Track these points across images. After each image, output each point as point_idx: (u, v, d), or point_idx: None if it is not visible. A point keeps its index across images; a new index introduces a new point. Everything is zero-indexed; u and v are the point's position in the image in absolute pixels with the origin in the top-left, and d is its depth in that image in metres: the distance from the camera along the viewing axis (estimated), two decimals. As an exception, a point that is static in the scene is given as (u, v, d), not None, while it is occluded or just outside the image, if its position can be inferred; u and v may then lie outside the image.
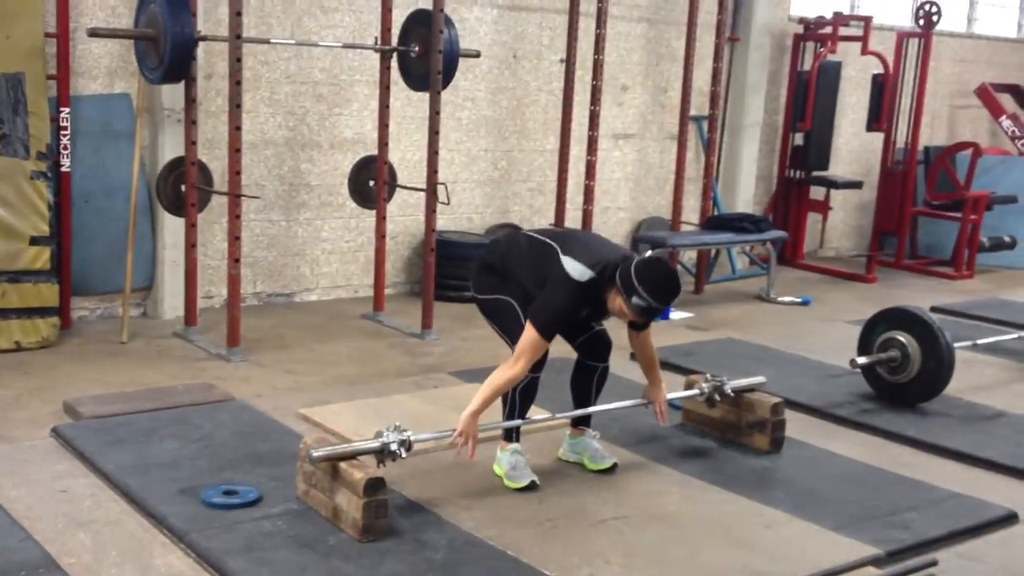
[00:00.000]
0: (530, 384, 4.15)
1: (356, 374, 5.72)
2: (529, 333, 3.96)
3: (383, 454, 3.80)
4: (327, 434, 4.45)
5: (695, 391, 4.74)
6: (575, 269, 3.99)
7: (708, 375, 4.79)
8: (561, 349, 4.51)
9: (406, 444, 3.83)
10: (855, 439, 5.08)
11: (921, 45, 9.52)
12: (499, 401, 4.16)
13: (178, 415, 4.75)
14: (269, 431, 4.64)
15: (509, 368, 3.98)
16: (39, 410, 4.84)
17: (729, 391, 4.71)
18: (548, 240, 4.15)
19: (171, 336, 6.19)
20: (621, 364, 5.68)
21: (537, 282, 4.08)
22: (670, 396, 4.58)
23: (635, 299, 3.88)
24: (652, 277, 3.89)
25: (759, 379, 4.93)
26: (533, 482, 4.17)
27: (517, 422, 4.23)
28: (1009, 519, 4.19)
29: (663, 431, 4.93)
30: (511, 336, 4.15)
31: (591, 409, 4.44)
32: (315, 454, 3.68)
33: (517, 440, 4.28)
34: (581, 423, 4.49)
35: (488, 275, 4.28)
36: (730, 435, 4.84)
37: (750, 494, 4.26)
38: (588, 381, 4.41)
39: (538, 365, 4.10)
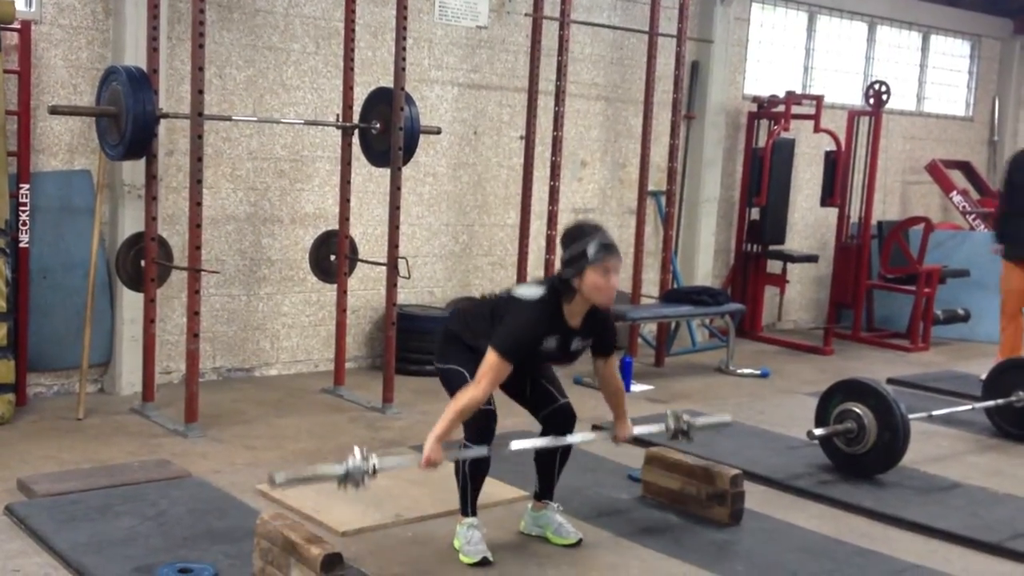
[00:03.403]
0: (480, 459, 4.15)
1: (316, 449, 5.68)
2: (490, 356, 3.96)
3: (347, 478, 3.77)
4: (285, 510, 4.40)
5: (660, 426, 4.68)
6: (527, 292, 4.13)
7: (672, 411, 4.73)
8: (523, 422, 4.53)
9: (371, 469, 3.79)
10: (814, 510, 5.10)
11: (872, 123, 9.77)
12: (452, 477, 4.19)
13: (133, 492, 4.69)
14: (226, 508, 4.59)
15: (471, 389, 3.96)
16: (-8, 488, 4.77)
17: (693, 428, 4.65)
18: (502, 292, 4.30)
19: (128, 412, 6.13)
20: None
21: None
22: (636, 430, 4.56)
23: (590, 251, 3.94)
24: (573, 233, 4.07)
25: (726, 418, 4.96)
26: (485, 558, 4.15)
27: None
28: (966, 590, 4.23)
29: (623, 504, 4.94)
30: None
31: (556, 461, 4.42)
32: (278, 479, 3.66)
33: (473, 514, 4.26)
34: (544, 496, 4.49)
35: (450, 344, 4.31)
36: (690, 507, 4.85)
37: (710, 567, 4.27)
38: (552, 455, 4.41)
39: (485, 437, 4.11)
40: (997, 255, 8.04)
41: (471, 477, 4.19)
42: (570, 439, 4.38)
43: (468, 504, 4.25)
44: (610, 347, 4.33)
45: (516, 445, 4.24)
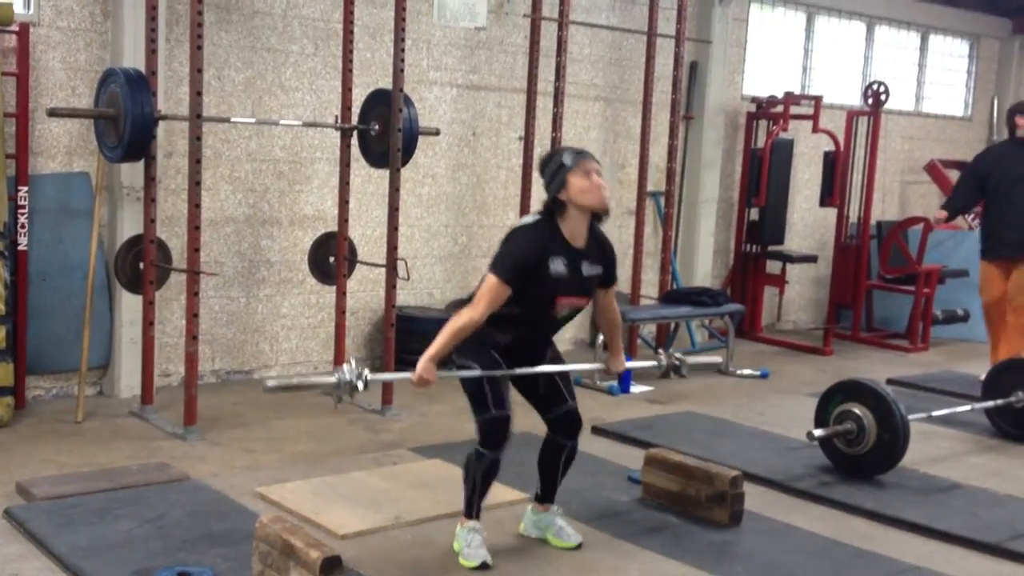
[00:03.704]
0: (491, 465, 4.14)
1: (315, 451, 5.67)
2: (489, 279, 3.97)
3: (338, 387, 3.78)
4: (284, 513, 4.40)
5: (653, 362, 4.68)
6: (522, 221, 4.21)
7: (663, 351, 4.78)
8: (527, 423, 4.51)
9: (362, 379, 3.81)
10: (814, 512, 5.10)
11: (870, 123, 9.77)
12: (451, 480, 4.15)
13: (132, 495, 4.69)
14: (225, 511, 4.58)
15: (468, 311, 3.96)
16: (-9, 492, 4.76)
17: (685, 364, 4.68)
18: None
19: (127, 415, 6.12)
20: (584, 439, 5.68)
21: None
22: (630, 364, 4.56)
23: (566, 160, 4.09)
24: (545, 159, 4.23)
25: (717, 359, 5.10)
26: (484, 563, 4.13)
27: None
28: (967, 591, 4.22)
29: (623, 506, 4.93)
30: (474, 406, 4.12)
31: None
32: (270, 384, 3.71)
33: (476, 517, 4.25)
34: (546, 499, 4.48)
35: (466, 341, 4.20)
36: (690, 509, 4.84)
37: (710, 568, 4.26)
38: (556, 459, 4.39)
39: (499, 443, 4.09)
40: (937, 223, 8.49)
41: (482, 479, 4.17)
42: (567, 367, 4.37)
43: (474, 507, 4.24)
44: (613, 278, 4.34)
45: (520, 371, 4.22)
